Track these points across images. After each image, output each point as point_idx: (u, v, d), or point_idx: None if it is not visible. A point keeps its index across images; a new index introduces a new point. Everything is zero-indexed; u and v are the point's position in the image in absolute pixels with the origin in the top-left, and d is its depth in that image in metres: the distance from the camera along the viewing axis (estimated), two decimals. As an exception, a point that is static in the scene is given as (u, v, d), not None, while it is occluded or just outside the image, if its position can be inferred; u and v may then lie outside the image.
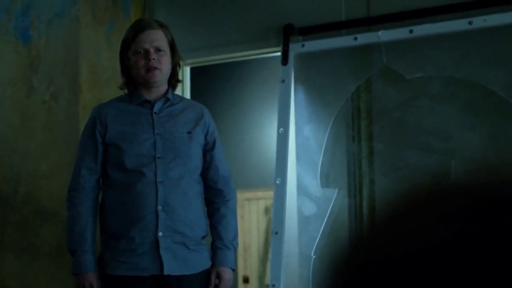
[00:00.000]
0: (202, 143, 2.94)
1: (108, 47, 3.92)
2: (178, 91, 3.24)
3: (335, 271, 0.72)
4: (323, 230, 3.53)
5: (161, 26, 2.93)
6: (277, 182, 3.54)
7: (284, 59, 3.68)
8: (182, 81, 3.65)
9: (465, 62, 3.38)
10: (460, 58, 3.39)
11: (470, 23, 3.32)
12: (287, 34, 3.72)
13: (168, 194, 2.80)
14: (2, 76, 3.92)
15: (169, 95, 2.94)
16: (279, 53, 3.74)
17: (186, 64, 4.06)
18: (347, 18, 3.68)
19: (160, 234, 2.78)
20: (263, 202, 6.35)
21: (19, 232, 3.80)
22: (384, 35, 3.49)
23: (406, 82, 3.47)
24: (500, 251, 0.63)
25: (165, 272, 2.77)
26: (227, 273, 2.90)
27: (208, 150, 2.95)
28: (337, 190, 3.56)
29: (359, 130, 3.57)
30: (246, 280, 6.39)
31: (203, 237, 2.91)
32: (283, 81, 3.67)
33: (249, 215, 6.44)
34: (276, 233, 3.47)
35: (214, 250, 2.91)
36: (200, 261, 2.87)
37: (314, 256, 3.53)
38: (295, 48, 3.69)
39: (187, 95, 4.10)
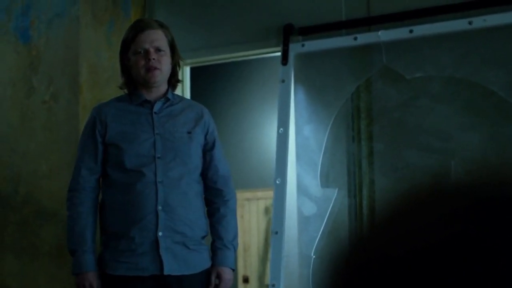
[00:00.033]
0: (202, 143, 2.94)
1: (108, 47, 3.92)
2: (178, 91, 3.24)
3: (335, 271, 0.72)
4: (323, 230, 3.53)
5: (161, 26, 2.93)
6: (277, 182, 3.54)
7: (284, 59, 3.68)
8: (182, 81, 3.65)
9: (465, 62, 3.38)
10: (460, 58, 3.39)
11: (470, 23, 3.32)
12: (287, 34, 3.72)
13: (168, 194, 2.80)
14: (2, 76, 3.92)
15: (169, 95, 2.94)
16: (279, 53, 3.74)
17: (186, 64, 4.06)
18: (347, 18, 3.69)
19: (160, 234, 2.78)
20: (263, 202, 6.35)
21: (19, 232, 3.80)
22: (384, 35, 3.49)
23: (406, 82, 3.47)
24: (500, 251, 0.63)
25: (165, 272, 2.77)
26: (227, 273, 2.90)
27: (207, 150, 2.96)
28: (337, 190, 3.56)
29: (359, 130, 3.57)
30: (246, 280, 6.39)
31: (203, 237, 2.91)
32: (283, 81, 3.67)
33: (249, 215, 6.44)
34: (276, 233, 3.47)
35: (214, 250, 2.91)
36: (200, 261, 2.87)
37: (314, 256, 3.53)
38: (295, 48, 3.69)
39: (187, 95, 4.10)
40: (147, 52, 2.84)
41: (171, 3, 4.14)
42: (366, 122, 3.56)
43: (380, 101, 3.55)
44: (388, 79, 3.52)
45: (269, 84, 5.93)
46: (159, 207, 2.78)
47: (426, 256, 0.65)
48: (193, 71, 4.24)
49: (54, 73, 3.80)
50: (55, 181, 3.71)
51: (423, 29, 3.42)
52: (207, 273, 2.88)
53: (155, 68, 2.84)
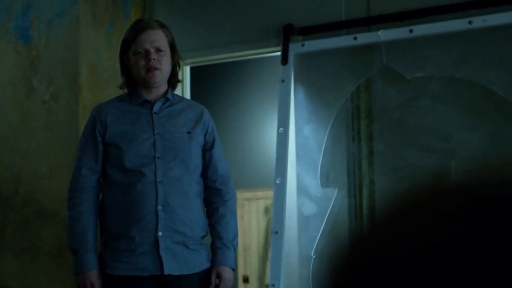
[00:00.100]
0: (202, 143, 2.94)
1: (108, 47, 3.92)
2: (178, 91, 3.24)
3: (335, 271, 0.72)
4: (323, 230, 3.53)
5: (162, 26, 2.93)
6: (277, 182, 3.54)
7: (284, 59, 3.68)
8: (182, 81, 3.65)
9: (465, 62, 3.38)
10: (460, 58, 3.39)
11: (470, 23, 3.32)
12: (287, 34, 3.72)
13: (168, 194, 2.80)
14: (2, 76, 3.92)
15: (169, 95, 2.94)
16: (279, 53, 3.74)
17: (186, 64, 4.06)
18: (347, 18, 3.68)
19: (160, 234, 2.78)
20: (263, 202, 6.35)
21: (19, 232, 3.80)
22: (384, 35, 3.49)
23: (406, 82, 3.47)
24: (500, 251, 0.63)
25: (165, 272, 2.77)
26: (227, 273, 2.90)
27: (207, 149, 2.96)
28: (337, 190, 3.56)
29: (359, 130, 3.57)
30: (246, 280, 6.39)
31: (203, 237, 2.92)
32: (283, 81, 3.67)
33: (249, 215, 6.44)
34: (276, 233, 3.47)
35: (214, 250, 2.90)
36: (200, 261, 2.87)
37: (314, 256, 3.53)
38: (295, 48, 3.69)
39: (187, 95, 4.10)
40: (147, 52, 2.84)
41: (171, 3, 4.14)
42: (366, 122, 3.56)
43: (380, 101, 3.55)
44: (388, 79, 3.52)
45: (269, 84, 5.92)
46: (159, 207, 2.78)
47: (426, 256, 0.65)
48: (193, 71, 4.24)
49: (54, 73, 3.80)
50: (55, 181, 3.71)
51: (423, 29, 3.42)
52: (207, 273, 2.88)
53: (155, 68, 2.85)
